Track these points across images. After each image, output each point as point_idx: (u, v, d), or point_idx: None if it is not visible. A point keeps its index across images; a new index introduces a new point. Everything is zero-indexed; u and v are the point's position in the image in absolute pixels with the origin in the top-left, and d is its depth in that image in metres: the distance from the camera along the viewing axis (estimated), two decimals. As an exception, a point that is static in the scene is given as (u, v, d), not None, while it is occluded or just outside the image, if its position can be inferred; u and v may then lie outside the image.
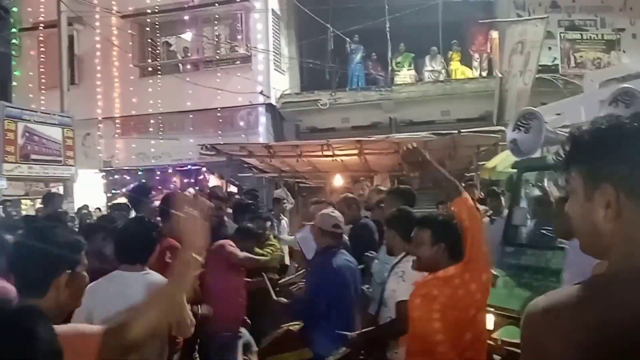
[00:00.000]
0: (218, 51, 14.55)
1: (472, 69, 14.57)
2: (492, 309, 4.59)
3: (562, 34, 13.75)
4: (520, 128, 5.30)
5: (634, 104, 4.23)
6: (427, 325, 2.91)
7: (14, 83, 14.89)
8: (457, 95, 13.30)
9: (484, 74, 14.19)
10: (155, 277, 3.05)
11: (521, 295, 4.71)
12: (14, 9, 13.23)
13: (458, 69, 14.49)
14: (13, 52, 13.31)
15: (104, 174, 14.31)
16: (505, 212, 6.15)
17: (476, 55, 14.61)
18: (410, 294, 3.22)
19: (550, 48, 13.31)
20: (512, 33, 13.59)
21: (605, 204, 1.23)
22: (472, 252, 2.84)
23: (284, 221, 8.44)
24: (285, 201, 9.91)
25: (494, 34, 14.27)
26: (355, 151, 11.26)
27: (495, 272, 4.82)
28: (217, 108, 13.77)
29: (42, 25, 14.83)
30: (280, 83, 14.54)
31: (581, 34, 13.82)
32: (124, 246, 3.24)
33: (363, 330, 3.80)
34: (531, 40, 13.10)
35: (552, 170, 5.51)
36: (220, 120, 13.82)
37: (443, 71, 14.51)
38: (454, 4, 13.66)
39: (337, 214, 4.49)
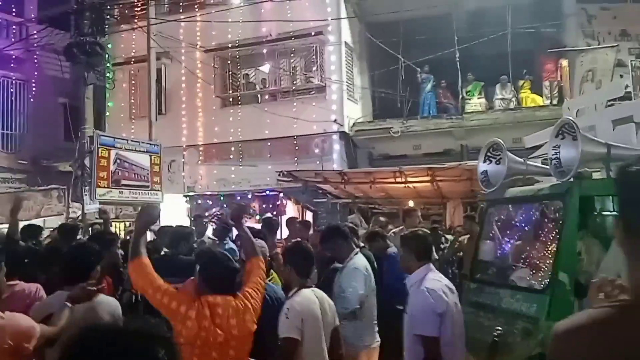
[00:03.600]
0: (294, 82, 15.18)
1: (542, 97, 14.70)
2: None
3: (633, 62, 13.78)
4: (491, 159, 5.29)
5: (578, 136, 4.28)
6: None
7: (107, 113, 15.89)
8: (528, 122, 13.37)
9: (555, 101, 14.28)
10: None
11: (468, 335, 4.48)
12: (109, 46, 14.24)
13: (528, 97, 14.66)
14: (107, 85, 14.25)
15: (187, 198, 15.02)
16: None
17: (546, 83, 14.77)
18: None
19: (622, 76, 13.35)
20: (582, 61, 13.75)
21: (617, 234, 1.38)
22: None
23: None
24: (359, 227, 10.24)
25: (564, 62, 14.41)
26: (428, 178, 11.48)
27: None
28: (293, 136, 14.30)
29: (133, 60, 15.88)
30: (354, 112, 15.00)
31: (653, 61, 13.82)
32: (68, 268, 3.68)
33: None
34: (601, 68, 13.24)
35: (519, 203, 5.33)
36: (297, 148, 14.35)
37: (513, 99, 14.69)
38: (523, 33, 13.88)
39: (260, 243, 4.24)
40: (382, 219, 8.91)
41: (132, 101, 16.17)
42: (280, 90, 15.24)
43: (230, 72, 15.47)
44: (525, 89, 14.73)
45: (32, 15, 16.95)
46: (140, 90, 15.44)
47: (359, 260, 4.81)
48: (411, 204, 12.48)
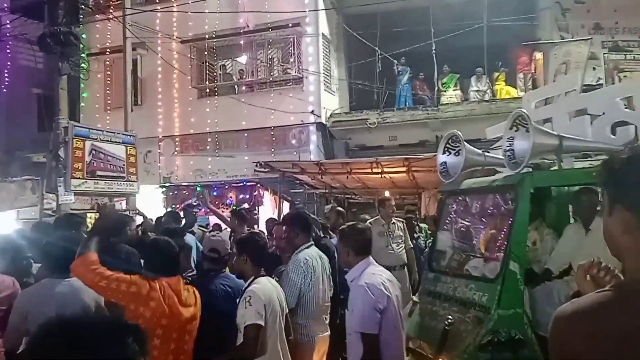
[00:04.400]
0: (271, 73, 15.18)
1: (517, 89, 14.84)
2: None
3: (605, 55, 13.95)
4: (450, 151, 5.27)
5: (530, 128, 4.35)
6: None
7: (82, 104, 15.78)
8: (502, 114, 13.42)
9: (529, 93, 14.38)
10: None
11: (423, 324, 4.71)
12: (84, 36, 14.09)
13: (503, 89, 14.79)
14: (82, 76, 14.10)
15: (163, 189, 15.00)
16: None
17: (520, 76, 14.90)
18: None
19: (594, 68, 13.51)
20: (556, 54, 13.86)
21: (619, 221, 1.43)
22: None
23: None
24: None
25: (538, 55, 14.54)
26: (403, 168, 11.56)
27: (415, 299, 5.05)
28: (270, 127, 14.36)
29: (108, 50, 15.80)
30: (331, 103, 15.06)
31: (625, 55, 13.99)
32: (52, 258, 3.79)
33: (221, 356, 3.76)
34: (575, 61, 13.35)
35: (474, 194, 5.37)
36: (274, 139, 14.40)
37: (489, 91, 14.82)
38: (498, 26, 13.98)
39: (218, 237, 4.44)
40: (366, 216, 9.00)
41: (108, 92, 16.07)
42: (257, 82, 15.23)
43: (207, 63, 15.41)
44: (500, 81, 14.86)
45: (5, 5, 16.74)
46: (115, 80, 15.33)
47: (306, 252, 4.78)
48: (387, 194, 12.58)
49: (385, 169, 11.73)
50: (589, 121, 5.22)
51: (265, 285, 3.87)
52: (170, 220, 8.09)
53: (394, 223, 7.83)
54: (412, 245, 8.23)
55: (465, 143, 5.31)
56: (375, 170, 11.74)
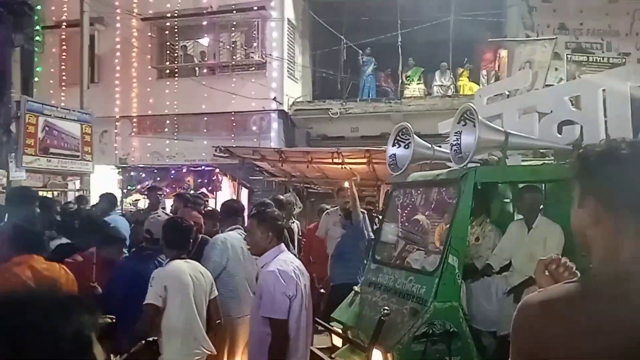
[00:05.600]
0: (234, 57, 14.95)
1: (479, 86, 14.88)
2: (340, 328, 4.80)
3: (568, 56, 14.09)
4: (400, 143, 5.30)
5: (476, 123, 4.38)
6: None
7: (36, 79, 15.25)
8: (464, 110, 13.54)
9: (491, 90, 14.47)
10: None
11: (361, 314, 4.76)
12: (38, 7, 13.61)
13: (466, 85, 14.84)
14: (36, 49, 13.66)
15: (119, 170, 14.69)
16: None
17: (484, 72, 14.97)
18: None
19: (557, 69, 13.64)
20: (520, 52, 13.91)
21: (589, 213, 1.46)
22: None
23: (295, 224, 8.79)
24: (294, 205, 10.25)
25: (503, 52, 14.61)
26: (364, 160, 11.55)
27: (356, 289, 5.07)
28: (231, 112, 14.15)
29: (64, 24, 15.26)
30: (293, 90, 14.90)
31: (587, 57, 14.15)
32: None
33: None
34: (539, 60, 13.43)
35: (420, 187, 5.41)
36: (234, 124, 14.20)
37: (452, 86, 14.85)
38: (464, 22, 14.01)
39: (154, 219, 4.64)
40: (325, 206, 9.01)
41: (63, 67, 15.55)
42: (219, 65, 14.97)
43: (168, 43, 15.04)
44: (464, 77, 14.90)
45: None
46: (71, 56, 14.81)
47: (225, 234, 4.97)
48: (347, 185, 12.53)
49: (346, 160, 11.69)
50: (537, 119, 5.23)
51: (175, 267, 3.92)
52: (104, 203, 7.90)
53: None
54: (372, 237, 8.23)
55: (415, 136, 5.28)
56: (335, 160, 11.70)
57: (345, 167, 11.96)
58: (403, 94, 14.82)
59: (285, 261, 3.65)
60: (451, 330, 4.14)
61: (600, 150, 1.48)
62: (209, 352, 3.99)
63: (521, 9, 14.58)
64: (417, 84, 15.04)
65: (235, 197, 12.52)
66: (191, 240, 4.17)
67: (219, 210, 5.49)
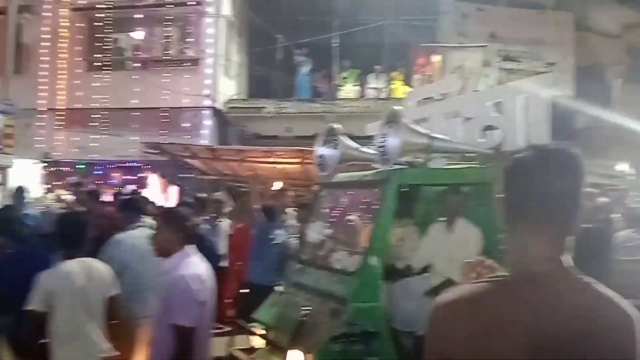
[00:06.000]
0: (168, 52, 14.62)
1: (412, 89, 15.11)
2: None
3: (498, 64, 14.53)
4: (329, 144, 5.34)
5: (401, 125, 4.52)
6: None
7: (-44, 66, 14.47)
8: (397, 113, 13.70)
9: (424, 95, 14.71)
10: None
11: (282, 315, 4.71)
12: (-39, -8, 12.95)
13: (399, 89, 15.03)
14: (-44, 36, 12.96)
15: (43, 165, 14.08)
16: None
17: (417, 77, 15.21)
18: None
19: (487, 76, 14.03)
20: (452, 58, 14.30)
21: (501, 216, 1.50)
22: None
23: (225, 223, 8.68)
24: (224, 204, 10.13)
25: (436, 58, 14.92)
26: (297, 160, 11.54)
27: (278, 289, 5.06)
28: (162, 108, 13.82)
29: (-11, 11, 14.52)
30: (228, 88, 14.74)
31: (516, 65, 14.65)
32: None
33: None
34: (470, 66, 13.82)
35: (346, 188, 5.44)
36: (165, 120, 13.86)
37: (385, 90, 15.00)
38: (400, 26, 14.22)
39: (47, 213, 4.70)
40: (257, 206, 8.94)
41: (-14, 56, 14.78)
42: (152, 59, 14.63)
43: (99, 35, 14.53)
44: (398, 81, 15.07)
45: None
46: (-4, 45, 14.13)
47: (126, 233, 4.86)
48: (279, 185, 12.50)
49: (280, 159, 11.65)
50: (461, 123, 5.34)
51: (64, 270, 3.65)
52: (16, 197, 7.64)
53: (286, 213, 7.82)
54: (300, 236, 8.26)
55: (343, 137, 5.31)
56: (269, 159, 11.64)
57: (278, 167, 11.93)
58: (338, 96, 14.86)
59: (196, 264, 3.42)
60: (371, 330, 4.16)
61: (516, 157, 1.52)
62: (108, 355, 3.71)
63: (455, 15, 14.92)
64: (354, 85, 15.12)
65: (164, 195, 12.28)
66: (87, 237, 3.86)
67: (118, 206, 5.32)
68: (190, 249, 3.49)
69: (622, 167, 13.41)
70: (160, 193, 12.92)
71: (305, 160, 11.49)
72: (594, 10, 15.19)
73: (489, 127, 5.07)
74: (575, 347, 1.34)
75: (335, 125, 5.39)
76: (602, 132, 13.08)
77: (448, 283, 4.35)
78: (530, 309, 1.37)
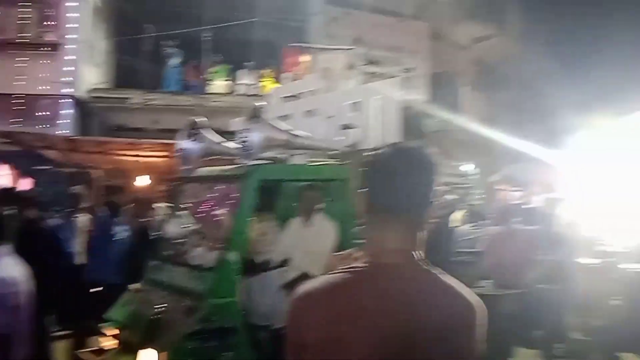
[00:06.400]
0: (24, 34, 13.58)
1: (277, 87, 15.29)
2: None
3: (362, 67, 15.10)
4: (191, 137, 5.35)
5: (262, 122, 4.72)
6: None
7: None
8: (266, 110, 13.82)
9: (290, 94, 14.98)
10: None
11: (137, 313, 4.63)
12: None
13: (269, 86, 15.15)
14: None
15: None
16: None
17: (285, 75, 15.39)
18: None
19: (351, 78, 14.50)
20: (319, 59, 14.65)
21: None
22: None
23: (85, 218, 8.27)
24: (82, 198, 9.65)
25: (304, 58, 15.19)
26: (163, 154, 11.25)
27: (132, 287, 5.05)
28: (17, 94, 12.84)
29: None
30: (92, 77, 14.01)
31: (378, 69, 15.31)
32: None
33: None
34: (335, 68, 14.23)
35: (207, 182, 5.46)
36: (20, 108, 12.89)
37: (255, 86, 15.04)
38: (271, 24, 14.33)
39: None
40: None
41: None
42: (7, 41, 13.49)
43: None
44: (267, 78, 15.18)
45: None
46: None
47: None
48: (145, 179, 12.13)
49: (144, 153, 11.29)
50: (319, 121, 5.55)
51: None
52: None
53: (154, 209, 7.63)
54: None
55: (206, 131, 5.29)
56: (133, 152, 11.25)
57: (142, 160, 11.57)
58: (208, 90, 14.69)
59: (6, 267, 3.13)
60: (226, 326, 4.19)
61: (374, 154, 1.60)
62: None
63: (324, 17, 15.30)
64: (224, 80, 15.01)
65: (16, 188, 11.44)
66: None
67: None
68: (3, 249, 3.19)
69: (467, 167, 14.55)
70: (11, 185, 12.04)
71: (172, 155, 11.24)
72: (447, 23, 16.30)
73: (347, 126, 5.32)
74: (421, 333, 1.42)
75: (198, 119, 5.37)
76: (450, 135, 14.07)
77: (304, 276, 4.50)
78: (380, 299, 1.43)
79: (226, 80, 15.10)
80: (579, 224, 7.26)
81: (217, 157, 5.44)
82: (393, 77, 13.66)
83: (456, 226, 7.41)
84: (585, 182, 9.07)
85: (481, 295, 1.57)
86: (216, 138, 5.36)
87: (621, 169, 8.64)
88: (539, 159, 11.37)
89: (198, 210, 5.45)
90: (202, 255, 4.85)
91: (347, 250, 4.50)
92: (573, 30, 16.68)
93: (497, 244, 6.55)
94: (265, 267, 4.99)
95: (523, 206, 8.59)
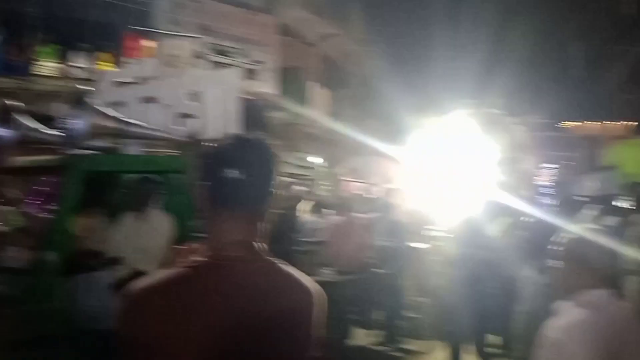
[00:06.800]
0: None
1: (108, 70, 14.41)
2: None
3: (209, 56, 14.75)
4: (4, 123, 4.77)
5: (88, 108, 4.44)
6: None
7: None
8: (101, 94, 13.02)
9: (131, 79, 14.26)
10: None
11: None
12: None
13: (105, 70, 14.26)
14: None
15: None
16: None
17: (126, 60, 14.56)
18: None
19: (197, 67, 14.12)
20: (164, 46, 14.03)
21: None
22: None
23: None
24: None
25: (148, 43, 14.46)
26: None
27: None
28: None
29: None
30: None
31: (226, 59, 15.05)
32: None
33: None
34: (180, 55, 13.73)
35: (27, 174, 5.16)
36: None
37: (89, 69, 14.00)
38: (110, 4, 13.45)
39: None
40: None
41: None
42: None
43: None
44: (105, 62, 14.23)
45: None
46: None
47: None
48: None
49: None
50: (159, 109, 5.22)
51: None
52: None
53: None
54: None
55: (21, 116, 4.72)
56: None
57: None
58: (35, 72, 13.40)
59: None
60: (46, 334, 3.76)
61: (208, 144, 1.59)
62: None
63: (169, 2, 14.71)
64: (56, 62, 13.77)
65: None
66: None
67: None
68: None
69: (314, 159, 14.88)
70: None
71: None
72: (295, 18, 16.46)
73: (185, 115, 5.04)
74: (262, 323, 1.43)
75: (10, 102, 4.76)
76: (298, 128, 14.26)
77: (136, 274, 4.16)
78: (219, 293, 1.41)
79: (56, 62, 13.87)
80: (414, 212, 7.72)
81: (36, 145, 4.86)
82: (247, 70, 13.56)
83: (302, 217, 7.49)
84: (418, 174, 9.68)
85: (322, 282, 1.61)
86: (33, 124, 4.78)
87: (447, 162, 9.37)
88: (379, 153, 11.91)
89: (15, 205, 4.85)
90: (15, 255, 4.29)
91: (186, 245, 4.23)
92: (408, 34, 17.79)
93: (339, 232, 6.74)
94: (92, 266, 4.54)
95: (364, 196, 8.94)
